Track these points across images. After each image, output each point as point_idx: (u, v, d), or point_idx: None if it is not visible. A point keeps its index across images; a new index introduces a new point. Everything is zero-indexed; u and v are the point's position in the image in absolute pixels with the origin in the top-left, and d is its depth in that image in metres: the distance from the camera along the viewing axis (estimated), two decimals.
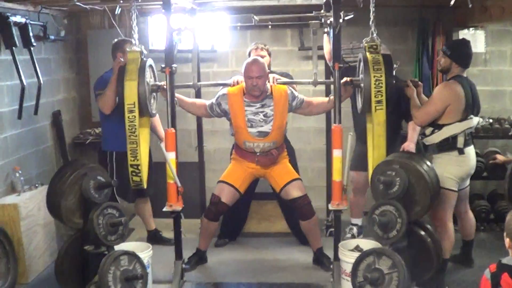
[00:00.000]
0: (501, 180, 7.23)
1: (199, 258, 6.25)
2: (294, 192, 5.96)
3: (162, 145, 5.58)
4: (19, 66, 6.09)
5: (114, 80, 5.74)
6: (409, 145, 6.14)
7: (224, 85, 6.03)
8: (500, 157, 6.86)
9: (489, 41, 7.89)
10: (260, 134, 5.82)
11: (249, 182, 6.15)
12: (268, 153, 5.90)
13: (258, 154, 5.89)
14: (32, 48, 6.37)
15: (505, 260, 3.42)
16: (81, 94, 8.22)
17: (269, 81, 5.89)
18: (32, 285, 5.90)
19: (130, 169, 5.42)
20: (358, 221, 6.83)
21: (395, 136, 5.98)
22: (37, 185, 6.31)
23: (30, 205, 6.00)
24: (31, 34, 6.32)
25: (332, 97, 5.58)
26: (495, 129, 7.25)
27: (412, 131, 6.28)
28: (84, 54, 8.11)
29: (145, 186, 5.57)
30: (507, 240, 3.51)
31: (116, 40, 6.31)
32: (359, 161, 6.06)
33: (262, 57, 6.25)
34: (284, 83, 6.02)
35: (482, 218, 7.14)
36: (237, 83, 5.92)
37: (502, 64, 8.03)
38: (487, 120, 7.33)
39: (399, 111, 6.01)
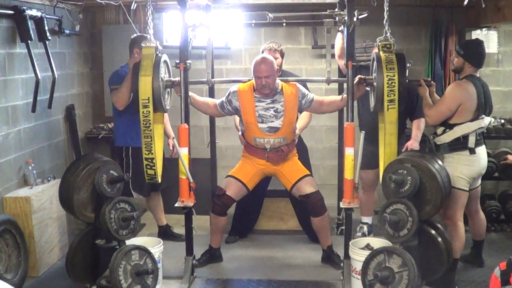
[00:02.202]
0: None
1: (211, 255, 6.24)
2: (307, 188, 5.93)
3: (175, 140, 5.61)
4: (34, 60, 6.13)
5: (130, 77, 5.75)
6: (413, 144, 6.08)
7: (238, 82, 6.02)
8: (511, 158, 6.83)
9: (501, 42, 7.89)
10: (271, 129, 5.80)
11: (258, 179, 6.12)
12: (279, 149, 5.88)
13: (268, 150, 5.89)
14: (47, 42, 6.42)
15: None
16: (94, 89, 8.27)
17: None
18: (43, 278, 5.93)
19: (145, 163, 5.42)
20: (369, 219, 6.82)
21: (399, 134, 5.94)
22: (49, 178, 6.34)
23: (42, 198, 6.03)
24: (46, 28, 6.36)
25: (345, 95, 5.60)
26: (507, 129, 7.24)
27: (417, 129, 6.26)
28: (98, 49, 8.16)
29: (159, 179, 5.57)
30: None
31: (134, 35, 6.34)
32: (366, 159, 6.05)
33: (275, 59, 6.28)
34: (298, 81, 6.02)
35: (493, 218, 7.13)
36: None
37: None
38: (499, 120, 7.33)
39: (404, 110, 5.97)
